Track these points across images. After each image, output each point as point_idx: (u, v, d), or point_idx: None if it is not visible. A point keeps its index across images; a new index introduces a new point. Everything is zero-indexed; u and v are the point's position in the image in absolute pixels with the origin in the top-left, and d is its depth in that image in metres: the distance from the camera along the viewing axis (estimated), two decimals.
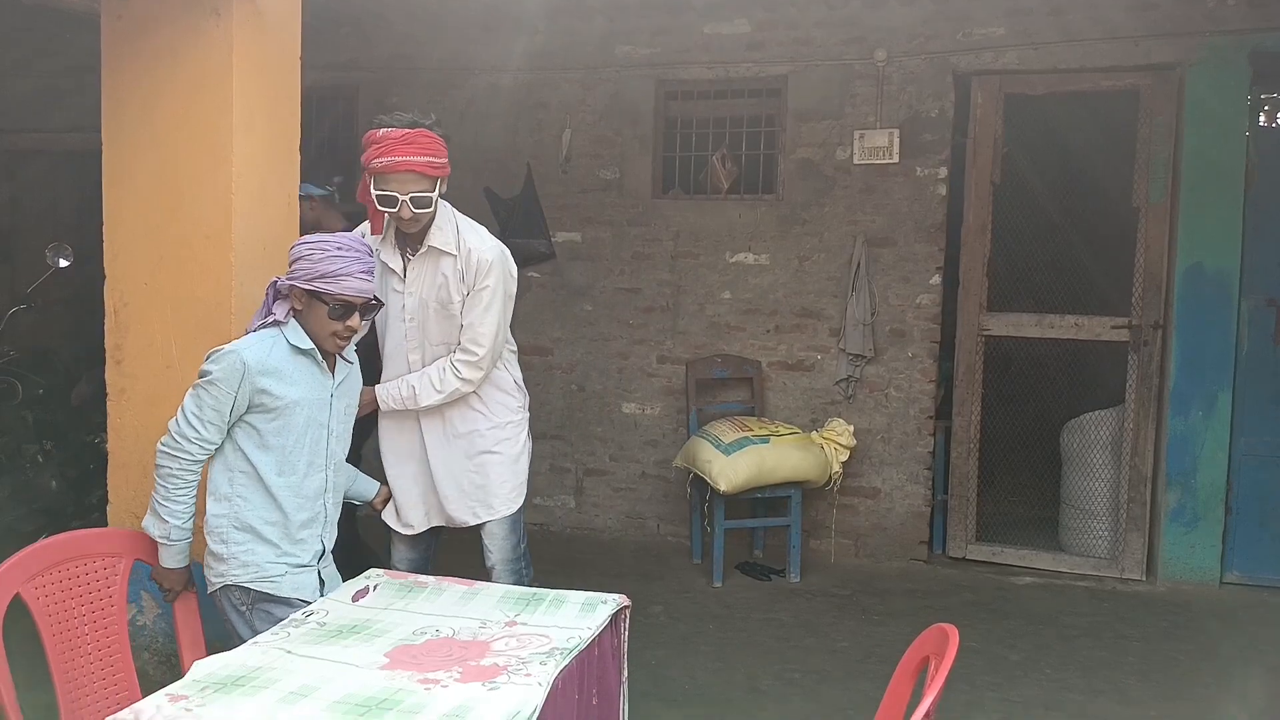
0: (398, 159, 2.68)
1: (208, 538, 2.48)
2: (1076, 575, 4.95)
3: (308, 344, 2.49)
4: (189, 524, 2.45)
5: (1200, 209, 4.67)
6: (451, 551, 3.38)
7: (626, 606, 2.44)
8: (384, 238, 2.94)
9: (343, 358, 2.62)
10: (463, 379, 2.93)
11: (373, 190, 2.75)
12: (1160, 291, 4.82)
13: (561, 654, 2.06)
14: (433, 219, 2.85)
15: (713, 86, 5.37)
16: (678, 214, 5.40)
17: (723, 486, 4.55)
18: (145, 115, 2.93)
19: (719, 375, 5.30)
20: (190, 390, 2.44)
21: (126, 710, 1.79)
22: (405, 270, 2.92)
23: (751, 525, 5.09)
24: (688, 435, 5.14)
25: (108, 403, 3.06)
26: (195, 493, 2.45)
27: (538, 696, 1.85)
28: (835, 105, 5.12)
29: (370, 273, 2.50)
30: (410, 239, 2.90)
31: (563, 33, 5.41)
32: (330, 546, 2.65)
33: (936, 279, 5.04)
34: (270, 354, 2.44)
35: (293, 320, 2.50)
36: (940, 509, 5.20)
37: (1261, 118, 5.03)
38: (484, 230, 2.96)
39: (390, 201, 2.72)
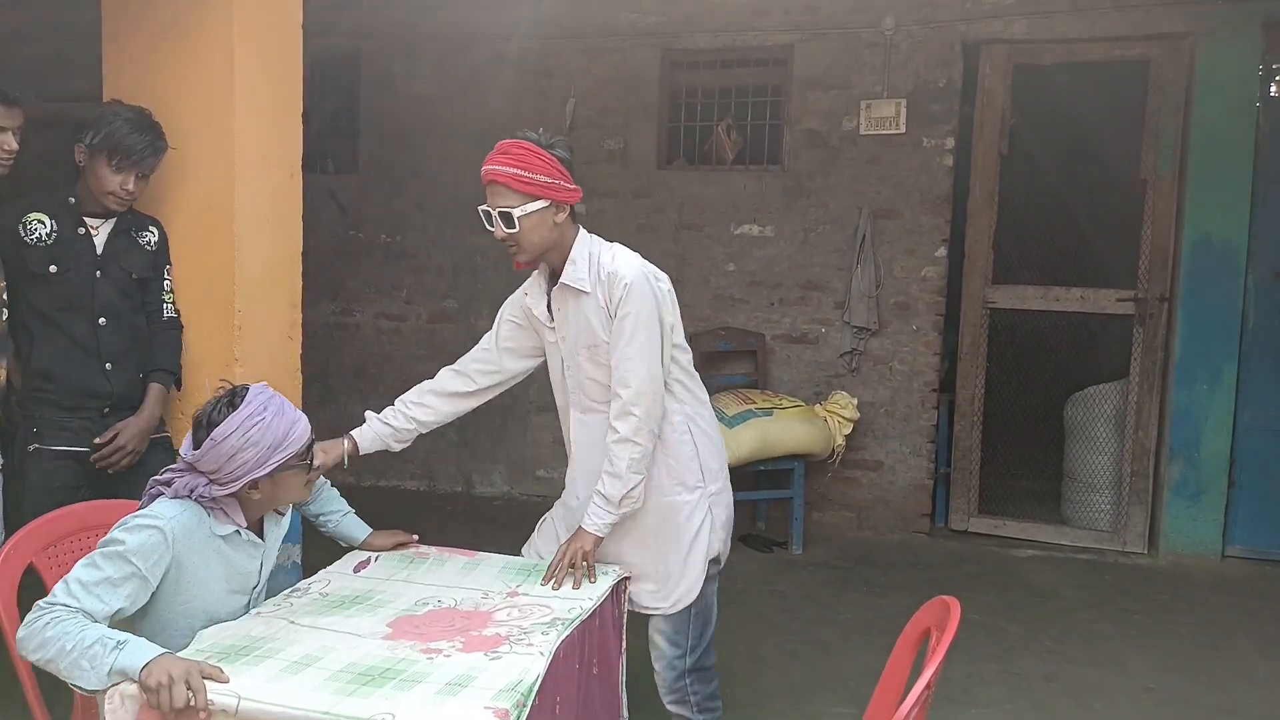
0: (486, 168, 2.35)
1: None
2: (1078, 548, 4.96)
3: (239, 522, 2.05)
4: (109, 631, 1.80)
5: (1208, 181, 4.63)
6: None
7: (627, 577, 2.45)
8: (534, 278, 2.56)
9: (277, 511, 2.17)
10: (621, 439, 2.36)
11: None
12: (1166, 264, 4.79)
13: (563, 624, 2.07)
14: (566, 251, 2.43)
15: (718, 55, 5.32)
16: (682, 185, 5.37)
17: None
18: (146, 84, 2.90)
19: (723, 348, 5.29)
20: (83, 560, 1.89)
21: None
22: (552, 312, 2.51)
23: (754, 497, 5.11)
24: None
25: None
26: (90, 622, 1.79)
27: (539, 666, 1.86)
28: (842, 75, 5.07)
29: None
30: (553, 276, 2.49)
31: None
32: None
33: (942, 251, 5.02)
34: (196, 529, 1.98)
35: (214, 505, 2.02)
36: (943, 482, 5.20)
37: (1273, 88, 4.96)
38: (628, 252, 2.45)
39: (487, 218, 2.37)
